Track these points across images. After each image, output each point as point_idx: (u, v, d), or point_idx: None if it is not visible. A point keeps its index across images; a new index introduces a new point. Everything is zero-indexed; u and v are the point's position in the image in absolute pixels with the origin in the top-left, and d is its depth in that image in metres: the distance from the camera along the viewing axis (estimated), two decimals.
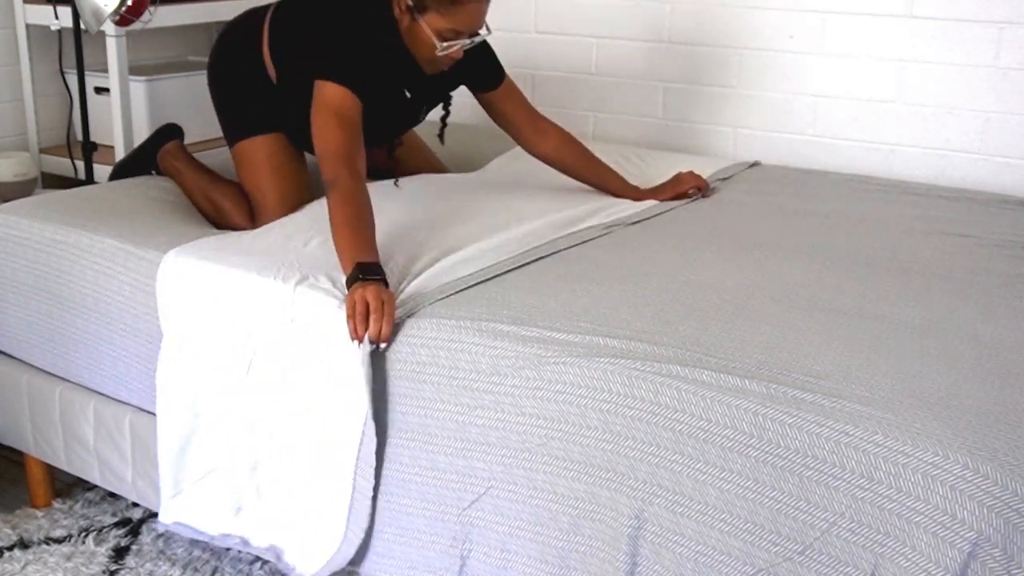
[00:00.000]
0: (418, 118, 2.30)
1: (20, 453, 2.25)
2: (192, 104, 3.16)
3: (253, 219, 2.20)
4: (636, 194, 2.30)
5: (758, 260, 1.90)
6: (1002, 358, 1.51)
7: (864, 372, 1.44)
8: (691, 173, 2.34)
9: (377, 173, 2.57)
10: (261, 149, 2.21)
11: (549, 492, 1.47)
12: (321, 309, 1.65)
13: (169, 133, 2.47)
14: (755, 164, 2.70)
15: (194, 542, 2.09)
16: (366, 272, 1.64)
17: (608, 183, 2.32)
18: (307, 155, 2.26)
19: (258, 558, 2.01)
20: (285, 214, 2.14)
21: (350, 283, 1.64)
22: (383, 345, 1.59)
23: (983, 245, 2.05)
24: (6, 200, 2.30)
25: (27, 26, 3.17)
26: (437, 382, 1.55)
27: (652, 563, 1.39)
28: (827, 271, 1.86)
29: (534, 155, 2.33)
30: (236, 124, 2.25)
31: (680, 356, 1.47)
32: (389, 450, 1.61)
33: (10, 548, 2.08)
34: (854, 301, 1.71)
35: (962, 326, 1.62)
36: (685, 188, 2.31)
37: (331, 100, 1.93)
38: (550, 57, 3.16)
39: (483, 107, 2.31)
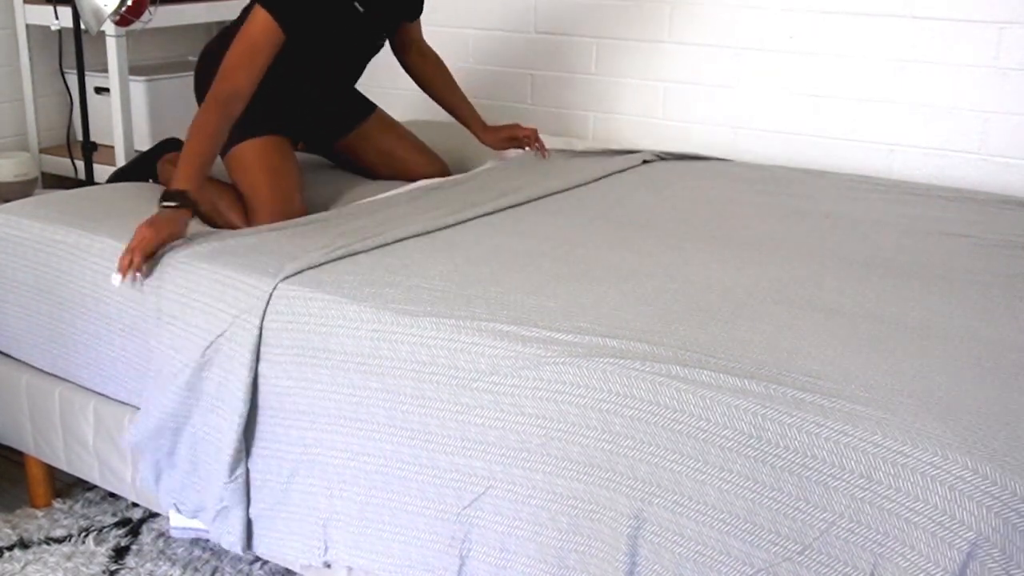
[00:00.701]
0: (376, 43, 2.45)
1: (20, 453, 2.25)
2: (192, 104, 3.16)
3: (248, 218, 2.24)
4: (482, 131, 2.60)
5: (758, 260, 1.90)
6: (1002, 358, 1.51)
7: (863, 372, 1.44)
8: (531, 128, 2.63)
9: (373, 173, 2.58)
10: (251, 151, 2.29)
11: (548, 492, 1.47)
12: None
13: (170, 145, 2.51)
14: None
15: (194, 542, 2.10)
16: (167, 199, 1.90)
17: (463, 113, 2.62)
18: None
19: (258, 558, 2.01)
20: (280, 210, 2.21)
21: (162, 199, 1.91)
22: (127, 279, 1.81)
23: (983, 245, 2.05)
24: (6, 200, 2.30)
25: (27, 26, 3.18)
26: (437, 381, 1.55)
27: (651, 563, 1.39)
28: (827, 271, 1.86)
29: (410, 73, 2.63)
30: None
31: (679, 356, 1.47)
32: (390, 449, 1.61)
33: (10, 548, 2.09)
34: (853, 301, 1.71)
35: (962, 326, 1.62)
36: (519, 134, 2.60)
37: (253, 25, 2.08)
38: (550, 57, 3.16)
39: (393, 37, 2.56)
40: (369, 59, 2.51)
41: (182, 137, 2.64)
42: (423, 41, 2.62)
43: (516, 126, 2.62)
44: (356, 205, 2.19)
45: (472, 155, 2.71)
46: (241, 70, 2.06)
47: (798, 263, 1.89)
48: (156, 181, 2.46)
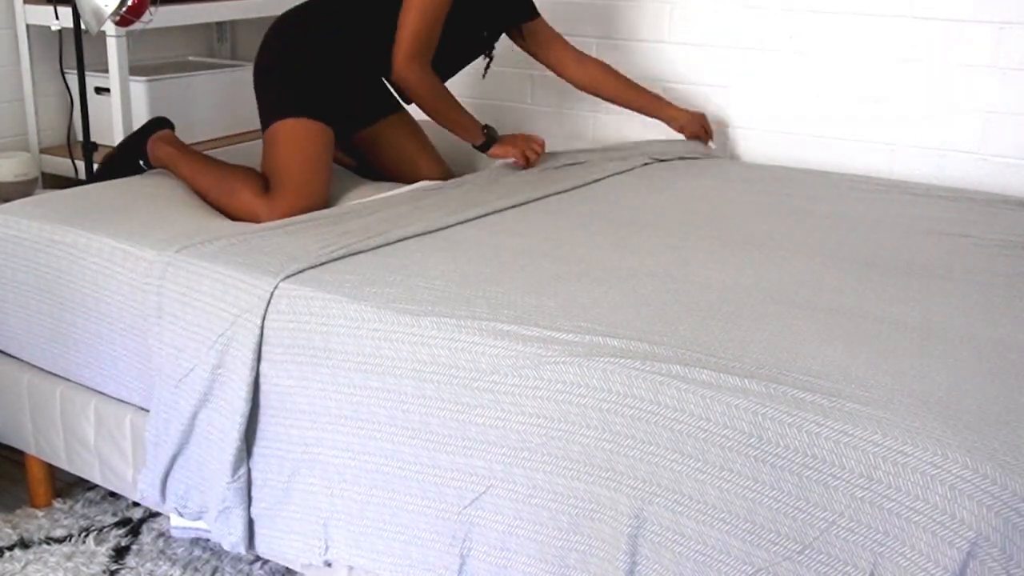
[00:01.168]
0: (482, 45, 2.57)
1: (20, 453, 2.25)
2: (192, 104, 3.17)
3: (265, 194, 2.21)
4: (668, 112, 2.72)
5: (758, 260, 1.91)
6: (1002, 358, 1.51)
7: (864, 372, 1.44)
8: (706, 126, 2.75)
9: (369, 172, 2.56)
10: (299, 130, 2.26)
11: (549, 491, 1.47)
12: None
13: (157, 125, 2.46)
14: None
15: (194, 542, 2.10)
16: (491, 131, 2.42)
17: (646, 104, 2.72)
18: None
19: (258, 558, 2.01)
20: (306, 196, 2.21)
21: (490, 143, 2.43)
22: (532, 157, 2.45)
23: (983, 245, 2.05)
24: (6, 200, 2.30)
25: (27, 26, 3.18)
26: (438, 380, 1.55)
27: (652, 562, 1.40)
28: (827, 271, 1.86)
29: (574, 84, 2.69)
30: (288, 100, 2.29)
31: (680, 356, 1.47)
32: (390, 448, 1.61)
33: (10, 548, 2.09)
34: (854, 301, 1.71)
35: (962, 326, 1.62)
36: (700, 127, 2.74)
37: None
38: None
39: (521, 43, 2.65)
40: (468, 60, 2.60)
41: (180, 140, 2.63)
42: (573, 49, 2.67)
43: (702, 120, 2.77)
44: (358, 203, 2.19)
45: (475, 157, 2.70)
46: (423, 51, 2.29)
47: (798, 263, 1.90)
48: (147, 164, 2.42)
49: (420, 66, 2.29)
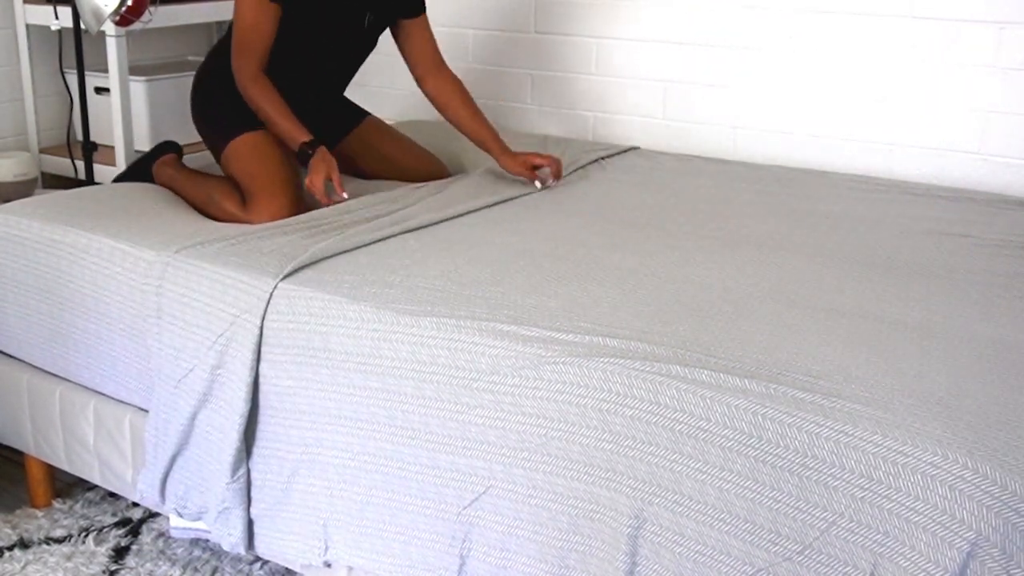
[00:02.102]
0: (365, 35, 2.42)
1: (20, 453, 2.25)
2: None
3: (244, 206, 2.25)
4: (501, 155, 2.43)
5: (758, 260, 1.91)
6: (1002, 358, 1.51)
7: (863, 372, 1.44)
8: (551, 157, 2.44)
9: (373, 177, 2.57)
10: (247, 144, 2.31)
11: (548, 492, 1.47)
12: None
13: (166, 148, 2.54)
14: (634, 148, 2.85)
15: (194, 542, 2.10)
16: (312, 146, 2.18)
17: (485, 141, 2.46)
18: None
19: (258, 558, 2.01)
20: (280, 195, 2.23)
21: (303, 160, 2.19)
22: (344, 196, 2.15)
23: (983, 245, 2.05)
24: (6, 200, 2.30)
25: (27, 26, 3.18)
26: (437, 381, 1.55)
27: (651, 563, 1.40)
28: (827, 271, 1.86)
29: (426, 95, 2.51)
30: (222, 128, 2.35)
31: (679, 356, 1.47)
32: (390, 449, 1.61)
33: (10, 548, 2.08)
34: (854, 301, 1.71)
35: (961, 326, 1.62)
36: (539, 162, 2.41)
37: (242, 9, 2.22)
38: (550, 57, 3.16)
39: (396, 38, 2.50)
40: (360, 58, 2.50)
41: (179, 140, 2.67)
42: (439, 60, 2.52)
43: (536, 154, 2.44)
44: (356, 202, 2.18)
45: (472, 157, 2.70)
46: (245, 55, 2.22)
47: (798, 263, 1.90)
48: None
49: (246, 72, 2.23)
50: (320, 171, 2.14)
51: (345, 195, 2.14)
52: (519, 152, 2.44)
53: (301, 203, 2.26)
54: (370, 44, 2.48)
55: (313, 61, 2.39)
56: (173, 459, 1.84)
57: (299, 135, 2.20)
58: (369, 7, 2.38)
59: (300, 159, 2.21)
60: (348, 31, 2.38)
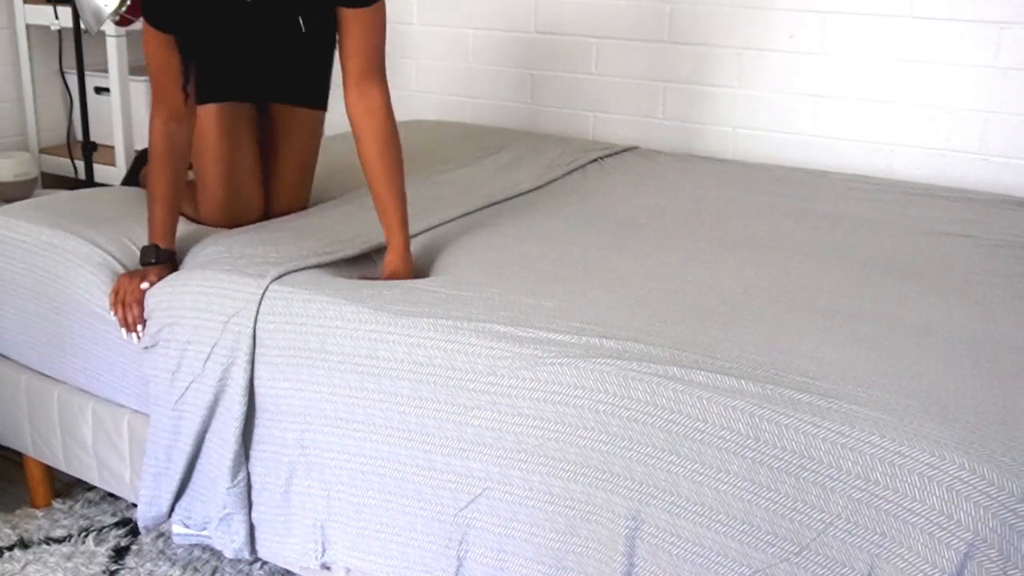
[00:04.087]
0: (286, 30, 1.95)
1: (20, 453, 2.25)
2: None
3: (197, 199, 2.12)
4: (394, 252, 1.87)
5: (756, 260, 1.90)
6: (1000, 359, 1.51)
7: (861, 372, 1.44)
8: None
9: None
10: (203, 121, 2.06)
11: (545, 493, 1.47)
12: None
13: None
14: (633, 148, 2.83)
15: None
16: (162, 257, 1.90)
17: (387, 219, 1.88)
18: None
19: (258, 559, 2.01)
20: (217, 198, 2.08)
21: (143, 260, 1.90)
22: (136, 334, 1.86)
23: (982, 245, 2.04)
24: (6, 200, 2.30)
25: (27, 26, 3.18)
26: (434, 382, 1.55)
27: (649, 564, 1.39)
28: (826, 271, 1.86)
29: (347, 114, 1.90)
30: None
31: (676, 357, 1.47)
32: (387, 450, 1.61)
33: (10, 548, 2.09)
34: (852, 301, 1.71)
35: (961, 326, 1.62)
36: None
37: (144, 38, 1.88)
38: (550, 57, 3.16)
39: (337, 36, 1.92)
40: (285, 48, 2.07)
41: None
42: (373, 73, 1.88)
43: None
44: (347, 201, 2.17)
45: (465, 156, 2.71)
46: (162, 89, 1.89)
47: (797, 263, 1.89)
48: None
49: (154, 118, 1.92)
50: (134, 279, 1.86)
51: (136, 334, 1.85)
52: (403, 266, 1.85)
53: (256, 200, 2.08)
54: (323, 41, 2.02)
55: (249, 66, 2.09)
56: (180, 483, 1.83)
57: (153, 232, 1.91)
58: (296, 7, 1.93)
59: (142, 256, 1.90)
60: (280, 35, 1.98)
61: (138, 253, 1.94)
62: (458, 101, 3.25)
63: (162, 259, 1.89)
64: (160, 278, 1.86)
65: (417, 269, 1.88)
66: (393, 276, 1.83)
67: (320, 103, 2.21)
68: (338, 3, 1.84)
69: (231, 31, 1.96)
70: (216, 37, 1.96)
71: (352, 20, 1.84)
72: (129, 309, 1.84)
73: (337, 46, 1.90)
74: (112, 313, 1.87)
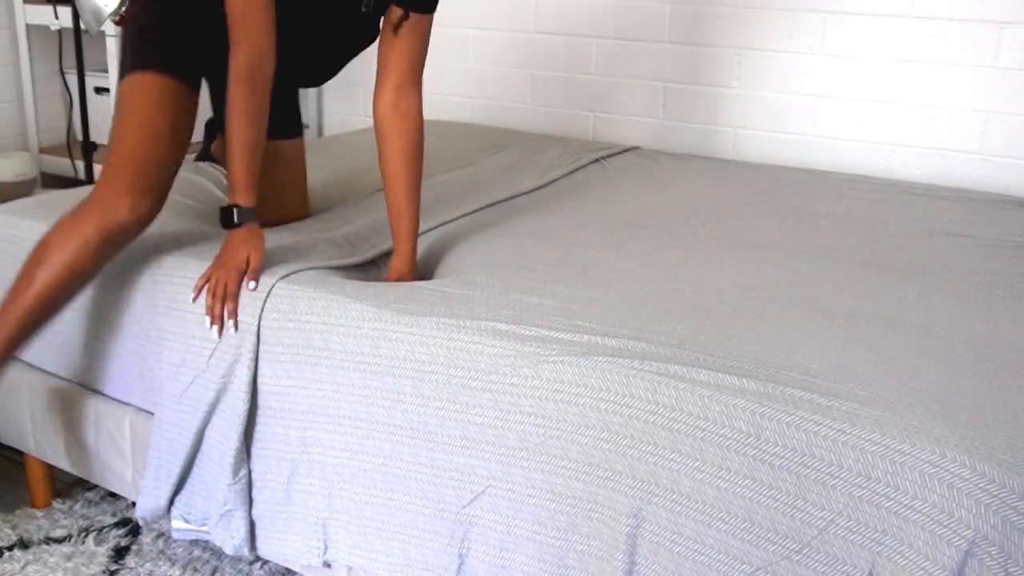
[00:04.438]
0: (365, 23, 1.87)
1: (20, 453, 2.25)
2: None
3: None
4: (400, 259, 1.87)
5: (757, 260, 1.91)
6: (1001, 357, 1.51)
7: (862, 371, 1.44)
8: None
9: None
10: (131, 87, 1.80)
11: (547, 491, 1.47)
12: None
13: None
14: (634, 148, 2.83)
15: (194, 542, 2.10)
16: (228, 219, 1.71)
17: (400, 227, 1.88)
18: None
19: (258, 558, 2.01)
20: (133, 174, 1.78)
21: (225, 221, 1.71)
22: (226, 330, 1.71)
23: (983, 245, 2.05)
24: (6, 200, 2.30)
25: (27, 26, 3.18)
26: (436, 380, 1.55)
27: (650, 562, 1.40)
28: (826, 271, 1.86)
29: (375, 114, 1.89)
30: (124, 57, 1.83)
31: (678, 355, 1.47)
32: (389, 448, 1.61)
33: (10, 548, 2.08)
34: (853, 301, 1.71)
35: (961, 326, 1.62)
36: None
37: None
38: (550, 57, 3.16)
39: (381, 36, 1.91)
40: (356, 50, 1.99)
41: None
42: (415, 83, 1.89)
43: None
44: (351, 207, 2.18)
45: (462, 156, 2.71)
46: (249, 26, 1.70)
47: (797, 263, 1.90)
48: (214, 161, 2.30)
49: (242, 65, 1.72)
50: (236, 259, 1.70)
51: (252, 285, 1.70)
52: (409, 273, 1.87)
53: (161, 192, 1.81)
54: (370, 34, 1.94)
55: (300, 50, 1.89)
56: (180, 479, 1.83)
57: (241, 187, 1.71)
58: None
59: (223, 220, 1.74)
60: (343, 18, 1.88)
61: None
62: (458, 101, 3.25)
63: (244, 219, 1.71)
64: (260, 263, 1.71)
65: (420, 272, 1.89)
66: (398, 281, 1.84)
67: (300, 130, 2.18)
68: (401, 4, 1.83)
69: (319, 19, 1.85)
70: (303, 18, 1.83)
71: (413, 22, 1.85)
72: (225, 303, 1.70)
73: (380, 43, 1.89)
74: (199, 304, 1.70)
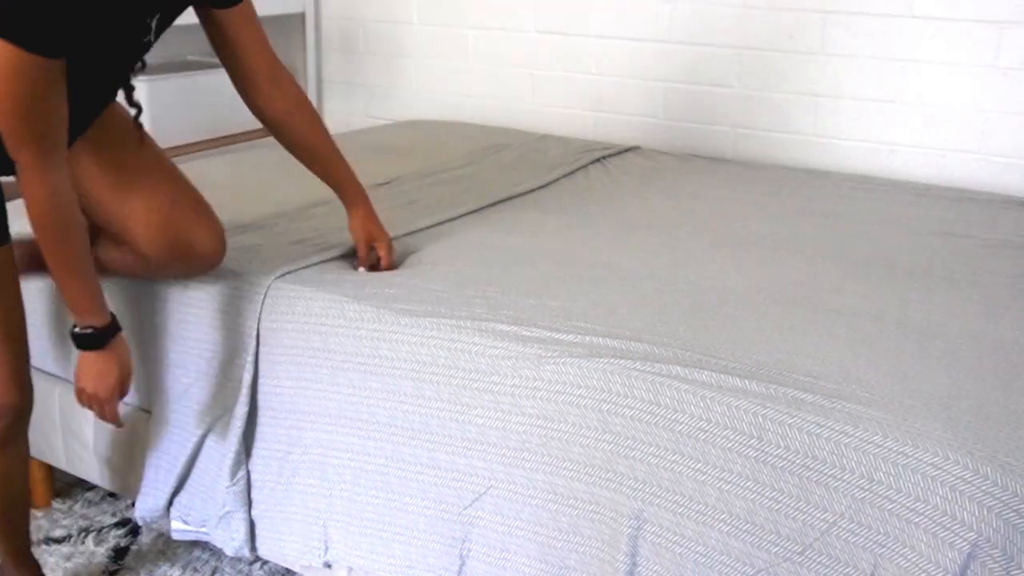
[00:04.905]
0: (152, 34, 1.65)
1: None
2: (192, 104, 3.16)
3: None
4: (353, 210, 1.83)
5: (758, 260, 1.90)
6: (1003, 359, 1.51)
7: (864, 372, 1.44)
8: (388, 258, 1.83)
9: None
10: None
11: (549, 492, 1.47)
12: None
13: None
14: (634, 148, 2.83)
15: (194, 542, 2.09)
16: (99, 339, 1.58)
17: (335, 173, 1.81)
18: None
19: (258, 558, 2.01)
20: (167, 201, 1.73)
21: (81, 342, 1.57)
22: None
23: (983, 245, 2.05)
24: (6, 200, 2.29)
25: None
26: (437, 381, 1.55)
27: (652, 563, 1.39)
28: (827, 271, 1.86)
29: (260, 113, 1.77)
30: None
31: (679, 356, 1.47)
32: (390, 449, 1.61)
33: None
34: (854, 301, 1.71)
35: (962, 326, 1.62)
36: (376, 253, 1.83)
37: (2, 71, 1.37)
38: (550, 57, 3.16)
39: (209, 35, 1.75)
40: (139, 57, 1.70)
41: (180, 140, 2.50)
42: (277, 62, 1.76)
43: (383, 245, 1.83)
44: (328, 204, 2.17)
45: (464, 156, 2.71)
46: (43, 135, 1.45)
47: (798, 263, 1.89)
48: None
49: (39, 166, 1.50)
50: (109, 379, 1.60)
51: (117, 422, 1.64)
52: (372, 222, 1.83)
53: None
54: (150, 42, 1.69)
55: (94, 79, 1.62)
56: (178, 478, 1.83)
57: (92, 306, 1.56)
58: (154, 5, 1.60)
59: (78, 340, 1.59)
60: (131, 38, 1.60)
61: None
62: (458, 101, 3.24)
63: (113, 333, 1.60)
64: (128, 376, 1.63)
65: (400, 256, 1.87)
66: (371, 239, 1.81)
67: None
68: (213, 4, 1.69)
69: (109, 48, 1.58)
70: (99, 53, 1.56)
71: (237, 17, 1.71)
72: (109, 405, 1.63)
73: (220, 50, 1.75)
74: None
